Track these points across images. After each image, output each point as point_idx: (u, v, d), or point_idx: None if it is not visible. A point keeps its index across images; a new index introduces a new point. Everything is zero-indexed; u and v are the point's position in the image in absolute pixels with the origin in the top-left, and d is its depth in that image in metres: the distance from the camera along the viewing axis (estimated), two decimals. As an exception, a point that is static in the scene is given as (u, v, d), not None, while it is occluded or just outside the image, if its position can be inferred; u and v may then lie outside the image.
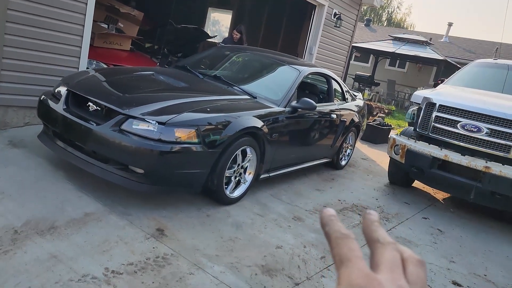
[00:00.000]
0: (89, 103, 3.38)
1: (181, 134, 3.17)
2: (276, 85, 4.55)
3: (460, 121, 4.55)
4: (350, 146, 6.04)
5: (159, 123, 3.13)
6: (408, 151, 4.83)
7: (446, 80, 6.12)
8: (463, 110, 4.55)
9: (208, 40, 9.55)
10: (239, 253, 2.92)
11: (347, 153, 6.03)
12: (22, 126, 4.42)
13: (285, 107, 4.21)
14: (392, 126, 9.48)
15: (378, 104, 14.04)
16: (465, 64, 18.21)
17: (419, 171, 4.80)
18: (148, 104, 3.27)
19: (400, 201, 5.01)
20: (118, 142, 3.07)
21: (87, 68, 5.18)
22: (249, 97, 4.10)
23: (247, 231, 3.29)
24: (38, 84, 4.39)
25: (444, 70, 16.73)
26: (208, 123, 3.33)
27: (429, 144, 4.75)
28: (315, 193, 4.63)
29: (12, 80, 4.20)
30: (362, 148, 7.80)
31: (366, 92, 16.99)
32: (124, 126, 3.13)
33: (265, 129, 3.88)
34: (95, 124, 3.18)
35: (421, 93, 5.22)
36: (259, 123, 3.77)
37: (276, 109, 4.11)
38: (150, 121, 3.14)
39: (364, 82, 17.77)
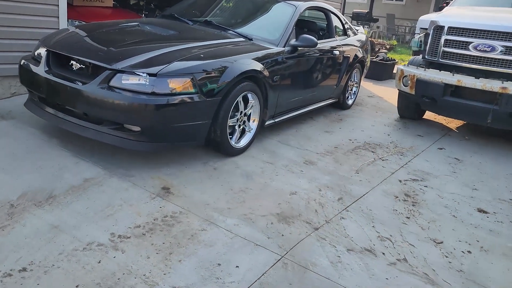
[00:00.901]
0: (72, 62, 3.11)
1: (175, 84, 2.92)
2: (272, 24, 4.21)
3: (472, 42, 4.23)
4: (356, 83, 5.76)
5: (150, 75, 2.88)
6: (418, 80, 4.56)
7: (451, 2, 5.70)
8: (474, 29, 4.22)
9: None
10: (252, 203, 2.76)
11: (353, 92, 5.76)
12: (9, 97, 4.18)
13: (284, 47, 3.91)
14: (396, 61, 9.09)
15: (379, 40, 13.51)
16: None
17: (431, 101, 4.55)
18: (136, 56, 3.00)
19: (413, 134, 4.80)
20: (108, 100, 2.84)
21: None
22: (244, 40, 3.79)
23: (258, 180, 3.12)
24: (18, 50, 4.09)
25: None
26: (204, 70, 3.07)
27: (440, 70, 4.46)
28: (324, 135, 4.42)
29: (-10, 48, 3.91)
30: (368, 86, 7.50)
31: (366, 29, 16.33)
32: (113, 82, 2.88)
33: (266, 72, 3.61)
34: (81, 84, 2.93)
35: (427, 17, 4.86)
36: (258, 66, 3.50)
37: (275, 49, 3.81)
38: (140, 74, 2.88)
39: (362, 20, 17.07)
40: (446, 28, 4.38)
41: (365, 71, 6.01)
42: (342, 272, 2.15)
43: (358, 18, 17.03)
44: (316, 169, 3.48)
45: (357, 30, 6.06)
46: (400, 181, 3.42)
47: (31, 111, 3.32)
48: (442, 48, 4.42)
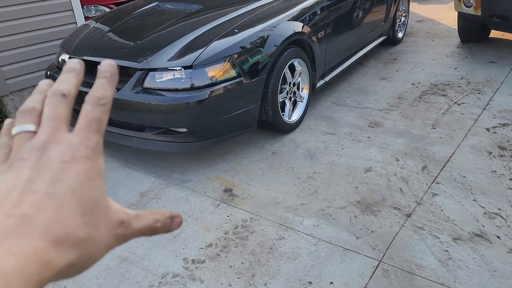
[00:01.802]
0: (99, 66, 2.81)
1: (215, 72, 2.56)
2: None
3: None
4: (404, 12, 5.08)
5: (186, 67, 2.52)
6: (485, -1, 3.87)
7: None
8: None
9: None
10: (326, 192, 2.45)
11: (402, 22, 5.10)
12: (44, 106, 3.99)
13: (323, -6, 3.37)
14: (440, -29, 8.03)
15: None
16: None
17: (502, 20, 3.88)
18: (165, 48, 2.64)
19: (483, 61, 4.18)
20: (146, 105, 2.54)
21: (85, 17, 4.51)
22: (277, -4, 3.29)
23: (324, 159, 2.79)
24: (42, 55, 3.84)
25: None
26: (242, 47, 2.67)
27: (512, -18, 3.74)
28: (381, 83, 3.94)
29: (13, 59, 3.67)
30: (412, 7, 6.69)
31: None
32: (147, 83, 2.57)
33: (309, 30, 3.14)
34: (114, 91, 2.64)
35: None
36: (299, 26, 3.04)
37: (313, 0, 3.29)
38: (175, 68, 2.54)
39: None
40: None
41: (412, -5, 5.28)
42: (456, 272, 1.83)
43: None
44: (385, 131, 3.08)
45: None
46: (487, 129, 2.96)
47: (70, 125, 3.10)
48: (512, -47, 3.67)
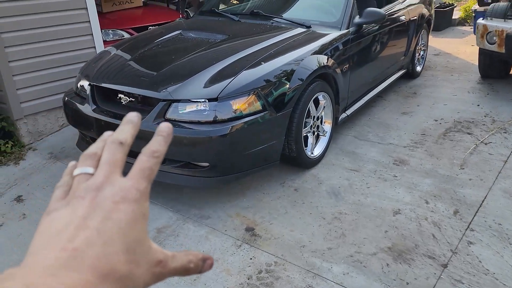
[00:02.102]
0: (120, 95, 2.74)
1: (239, 105, 2.47)
2: (328, 2, 3.61)
3: None
4: (423, 46, 5.04)
5: (210, 99, 2.45)
6: (509, 36, 3.82)
7: None
8: None
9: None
10: (354, 236, 2.32)
11: (421, 56, 5.05)
12: (59, 130, 3.92)
13: (348, 28, 3.32)
14: (455, 5, 8.08)
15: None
16: None
17: (528, 59, 3.82)
18: (189, 79, 2.57)
19: (506, 99, 4.10)
20: (168, 137, 2.44)
21: (104, 40, 4.49)
22: (302, 29, 3.24)
23: (350, 199, 2.67)
24: (58, 79, 3.79)
25: None
26: (267, 80, 2.60)
27: (538, 21, 3.70)
28: (403, 118, 3.85)
29: (29, 83, 3.62)
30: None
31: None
32: (169, 115, 2.49)
33: (334, 64, 3.08)
34: (134, 121, 2.55)
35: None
36: (325, 60, 2.97)
37: (339, 33, 3.24)
38: (199, 100, 2.46)
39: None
40: (541, -32, 3.58)
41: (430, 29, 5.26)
42: (503, 336, 1.68)
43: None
44: (411, 170, 2.96)
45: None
46: (518, 172, 2.84)
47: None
48: (539, -7, 3.63)
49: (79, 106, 2.85)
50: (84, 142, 3.05)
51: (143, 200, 0.35)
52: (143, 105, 2.68)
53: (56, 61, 3.75)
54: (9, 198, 2.94)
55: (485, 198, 2.59)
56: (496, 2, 4.56)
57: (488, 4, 6.33)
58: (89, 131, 2.84)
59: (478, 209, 2.48)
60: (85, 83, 2.92)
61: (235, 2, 4.63)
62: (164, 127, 0.41)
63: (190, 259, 0.38)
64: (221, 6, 4.36)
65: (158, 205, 2.71)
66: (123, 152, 0.39)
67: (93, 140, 2.92)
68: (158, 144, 0.40)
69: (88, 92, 2.84)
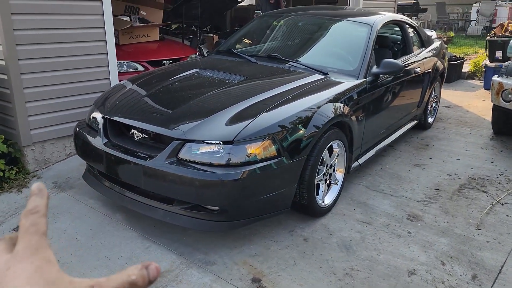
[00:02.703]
0: (133, 130, 2.69)
1: (254, 149, 2.42)
2: (347, 50, 3.63)
3: None
4: (436, 98, 5.04)
5: (225, 142, 2.39)
6: (525, 96, 3.80)
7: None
8: None
9: (237, 5, 8.58)
10: (366, 296, 2.19)
11: (434, 108, 5.04)
12: (65, 158, 3.86)
13: (365, 77, 3.31)
14: (465, 59, 8.19)
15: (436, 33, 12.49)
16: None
17: (543, 119, 3.78)
18: (205, 119, 2.52)
19: (520, 158, 4.04)
20: (179, 177, 2.38)
21: (118, 72, 4.50)
22: (319, 76, 3.23)
23: (361, 254, 2.55)
24: (71, 108, 3.77)
25: (502, -23, 14.59)
26: (284, 126, 2.55)
27: (554, 82, 3.69)
28: (415, 170, 3.77)
29: (41, 110, 3.59)
30: (440, 93, 6.69)
31: (415, 20, 15.28)
32: (182, 154, 2.42)
33: (350, 113, 3.05)
34: (146, 158, 2.49)
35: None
36: (341, 108, 2.94)
37: (356, 82, 3.23)
38: (214, 142, 2.40)
39: (409, 11, 15.97)
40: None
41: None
42: None
43: (404, 10, 15.96)
44: (426, 227, 2.86)
45: (431, 36, 5.34)
46: (538, 238, 2.73)
47: (91, 186, 2.93)
48: (556, 55, 3.64)
49: (90, 138, 2.80)
50: (91, 175, 2.98)
51: (41, 251, 0.38)
52: (155, 142, 2.63)
53: (70, 90, 3.74)
54: (8, 227, 2.84)
55: (504, 263, 2.47)
56: (509, 60, 4.59)
57: (500, 60, 6.41)
58: (97, 164, 2.78)
59: (497, 276, 2.36)
60: (98, 115, 2.88)
61: (247, 41, 4.68)
62: (34, 187, 0.44)
63: (129, 273, 0.39)
64: (237, 46, 4.41)
65: (161, 246, 2.60)
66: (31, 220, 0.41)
67: (101, 173, 2.85)
68: (33, 202, 0.42)
69: (100, 125, 2.79)
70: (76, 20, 3.64)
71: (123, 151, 2.59)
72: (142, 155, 2.53)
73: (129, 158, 2.53)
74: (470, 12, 15.62)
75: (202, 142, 2.43)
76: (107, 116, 2.77)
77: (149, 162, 2.45)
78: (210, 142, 2.41)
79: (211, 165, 2.39)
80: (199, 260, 2.48)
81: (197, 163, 2.40)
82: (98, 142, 2.72)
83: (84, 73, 3.80)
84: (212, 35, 7.63)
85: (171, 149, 2.43)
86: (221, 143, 2.40)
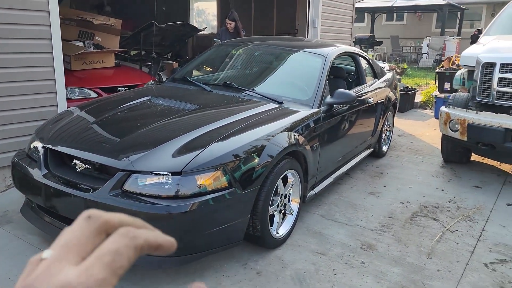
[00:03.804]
0: (75, 161, 2.54)
1: (204, 180, 2.33)
2: (302, 80, 3.67)
3: (534, 79, 3.65)
4: (389, 127, 5.18)
5: (174, 173, 2.30)
6: (471, 126, 3.96)
7: (485, 30, 5.18)
8: (535, 65, 3.66)
9: (198, 33, 8.62)
10: (319, 332, 2.12)
11: (387, 136, 5.17)
12: (4, 190, 3.61)
13: (319, 107, 3.34)
14: (417, 89, 8.56)
15: (389, 64, 13.06)
16: (474, 4, 16.99)
17: (488, 148, 3.94)
18: (154, 149, 2.42)
19: (469, 186, 4.17)
20: (123, 211, 2.24)
21: (67, 98, 4.32)
22: (274, 105, 3.23)
23: (315, 287, 2.49)
24: (14, 136, 3.56)
25: (449, 14, 15.61)
26: (236, 155, 2.49)
27: (496, 113, 3.87)
28: (370, 199, 3.80)
29: (-21, 138, 3.37)
30: (394, 122, 6.90)
31: (370, 53, 15.95)
32: (127, 186, 2.30)
33: (305, 142, 3.04)
34: (88, 191, 2.35)
35: (471, 53, 4.31)
36: (296, 137, 2.93)
37: (310, 111, 3.25)
38: (161, 173, 2.30)
39: (365, 44, 16.71)
40: (498, 65, 3.82)
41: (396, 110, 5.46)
42: None
43: (361, 42, 16.66)
44: (379, 256, 2.84)
45: (383, 68, 5.54)
46: (486, 265, 2.77)
47: (29, 221, 2.73)
48: (496, 88, 3.84)
49: (29, 169, 2.62)
50: (30, 209, 2.77)
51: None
52: (100, 173, 2.49)
53: (13, 117, 3.54)
54: None
55: (455, 293, 2.47)
56: (456, 91, 4.81)
57: (448, 91, 6.73)
58: (36, 197, 2.60)
59: (448, 306, 2.35)
60: (38, 145, 2.71)
61: (208, 69, 4.66)
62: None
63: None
64: (195, 73, 4.37)
65: (104, 285, 2.42)
66: (89, 229, 0.31)
67: (40, 207, 2.66)
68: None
69: (41, 155, 2.63)
70: (23, 44, 3.49)
71: (64, 183, 2.44)
72: (84, 187, 2.39)
73: (69, 190, 2.38)
74: (422, 46, 16.51)
75: (149, 173, 2.32)
76: (48, 146, 2.62)
77: (91, 195, 2.31)
78: (158, 173, 2.31)
79: (159, 197, 2.28)
80: (144, 299, 2.33)
81: (144, 195, 2.28)
82: (37, 173, 2.55)
83: (30, 99, 3.62)
84: (172, 62, 7.60)
85: (116, 181, 2.31)
86: (170, 174, 2.30)
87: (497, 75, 3.83)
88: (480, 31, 5.40)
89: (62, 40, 3.86)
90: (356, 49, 4.70)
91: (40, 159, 2.60)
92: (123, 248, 0.31)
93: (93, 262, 0.29)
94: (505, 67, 3.80)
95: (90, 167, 2.50)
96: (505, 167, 4.75)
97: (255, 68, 4.03)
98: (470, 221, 3.41)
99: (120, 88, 4.92)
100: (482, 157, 4.96)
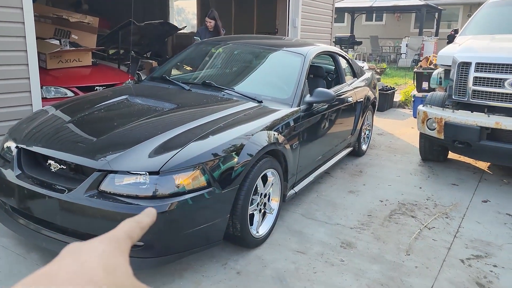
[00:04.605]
0: (50, 161, 2.48)
1: (183, 180, 2.31)
2: (281, 79, 3.67)
3: (508, 78, 3.74)
4: (369, 126, 5.24)
5: (151, 173, 2.26)
6: (447, 124, 4.04)
7: (461, 30, 5.28)
8: (508, 64, 3.74)
9: (178, 32, 8.55)
10: (299, 331, 2.12)
11: (367, 135, 5.23)
12: (-23, 192, 3.49)
13: (299, 106, 3.35)
14: (395, 89, 8.68)
15: (369, 64, 13.21)
16: (451, 5, 17.35)
17: (464, 146, 4.03)
18: (131, 148, 2.38)
19: (446, 183, 4.24)
20: (98, 211, 2.20)
21: (43, 98, 4.22)
22: (253, 103, 3.22)
23: (296, 286, 2.49)
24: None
25: (427, 15, 15.89)
26: (214, 154, 2.47)
27: (472, 111, 3.95)
28: (349, 197, 3.83)
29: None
30: (373, 121, 6.98)
31: (350, 53, 16.12)
32: (104, 186, 2.26)
33: (284, 140, 3.04)
34: (63, 191, 2.29)
35: (447, 53, 4.40)
36: (276, 136, 2.93)
37: (290, 110, 3.25)
38: (139, 173, 2.27)
39: (345, 44, 16.87)
40: (473, 65, 3.90)
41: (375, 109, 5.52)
42: None
43: (341, 42, 16.82)
44: (358, 254, 2.87)
45: (362, 67, 5.59)
46: (462, 261, 2.82)
47: (2, 223, 2.64)
48: (472, 87, 3.92)
49: (1, 170, 2.54)
50: (3, 211, 2.69)
51: (120, 245, 0.43)
52: (76, 174, 2.44)
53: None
54: None
55: (432, 288, 2.51)
56: (433, 91, 4.89)
57: (426, 90, 6.84)
58: (9, 199, 2.52)
59: (426, 302, 2.38)
60: (12, 145, 2.64)
61: (188, 68, 4.62)
62: (148, 209, 0.51)
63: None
64: (175, 72, 4.33)
65: (80, 288, 2.37)
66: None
67: (13, 209, 2.58)
68: (140, 217, 0.48)
69: (14, 155, 2.55)
70: (-6, 42, 3.38)
71: (39, 184, 2.37)
72: (59, 188, 2.33)
73: (44, 191, 2.32)
74: (401, 46, 16.78)
75: (126, 173, 2.28)
76: (21, 145, 2.54)
77: (66, 196, 2.26)
78: (135, 173, 2.27)
79: (136, 197, 2.25)
80: (122, 301, 2.28)
81: (121, 196, 2.24)
82: (9, 174, 2.47)
83: (3, 98, 3.52)
84: (151, 61, 7.51)
85: (92, 181, 2.26)
86: (147, 173, 2.27)
87: (472, 74, 3.91)
88: (456, 31, 5.53)
89: (38, 38, 3.77)
90: (335, 49, 4.72)
91: (14, 160, 2.53)
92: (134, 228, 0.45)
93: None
94: (480, 66, 3.88)
95: (65, 167, 2.45)
96: (481, 164, 4.86)
97: (235, 67, 4.02)
98: (447, 218, 3.47)
99: (97, 87, 4.84)
100: (459, 155, 5.06)
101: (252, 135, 2.73)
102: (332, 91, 3.61)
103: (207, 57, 4.23)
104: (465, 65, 3.97)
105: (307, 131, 3.42)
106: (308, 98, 3.43)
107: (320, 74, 4.49)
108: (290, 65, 3.72)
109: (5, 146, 2.72)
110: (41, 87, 4.10)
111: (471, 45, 4.29)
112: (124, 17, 6.93)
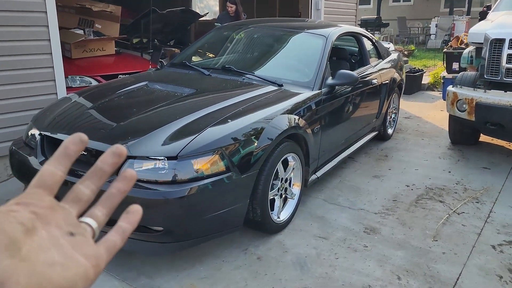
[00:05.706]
0: (72, 147, 2.51)
1: (201, 165, 2.29)
2: (302, 62, 3.58)
3: (544, 56, 3.52)
4: (395, 109, 5.08)
5: (170, 158, 2.25)
6: (479, 105, 3.85)
7: (494, 5, 5.01)
8: (545, 40, 3.52)
9: (200, 19, 8.51)
10: (319, 316, 2.08)
11: (393, 119, 5.07)
12: (6, 179, 3.61)
13: (320, 89, 3.26)
14: (424, 71, 8.38)
15: (396, 46, 12.82)
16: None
17: (497, 127, 3.84)
18: (149, 133, 2.38)
19: (477, 167, 4.07)
20: (120, 197, 2.21)
21: (68, 87, 4.29)
22: (273, 87, 3.16)
23: (317, 271, 2.45)
24: (13, 125, 3.54)
25: (458, -7, 15.21)
26: (234, 139, 2.44)
27: (505, 91, 3.75)
28: (374, 182, 3.73)
29: (-21, 128, 3.35)
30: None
31: (377, 36, 15.67)
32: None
33: (305, 125, 2.97)
34: (84, 177, 2.31)
35: (478, 30, 4.17)
36: (295, 120, 2.86)
37: (311, 93, 3.17)
38: (157, 158, 2.26)
39: (372, 26, 16.42)
40: (507, 41, 3.69)
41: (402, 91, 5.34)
42: None
43: (367, 25, 16.37)
44: (382, 240, 2.79)
45: (388, 48, 5.40)
46: (493, 247, 2.70)
47: (28, 209, 2.71)
48: (506, 65, 3.71)
49: (26, 156, 2.60)
50: (29, 196, 2.75)
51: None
52: (96, 159, 2.45)
53: (13, 106, 3.52)
54: None
55: (459, 275, 2.42)
56: (464, 71, 4.68)
57: (457, 71, 6.56)
58: (33, 185, 2.57)
59: (453, 289, 2.30)
60: (36, 132, 2.68)
61: (210, 55, 4.58)
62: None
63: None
64: (195, 58, 4.30)
65: (103, 271, 2.41)
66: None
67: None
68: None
69: (38, 142, 2.60)
70: (18, 32, 3.44)
71: (60, 170, 2.40)
72: (81, 173, 2.35)
73: (66, 177, 2.34)
74: (430, 27, 16.17)
75: (145, 158, 2.28)
76: (44, 132, 2.58)
77: (87, 181, 2.28)
78: (154, 158, 2.27)
79: (156, 182, 2.24)
80: (142, 285, 2.30)
81: (140, 181, 2.24)
82: (34, 161, 2.52)
83: (29, 87, 3.59)
84: (174, 49, 7.52)
85: (111, 167, 2.26)
86: (165, 158, 2.26)
87: (506, 51, 3.70)
88: (489, 8, 5.24)
89: (62, 28, 3.82)
90: (359, 29, 4.57)
91: (37, 146, 2.57)
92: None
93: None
94: (514, 43, 3.66)
95: (86, 153, 2.47)
96: (515, 147, 4.64)
97: (255, 51, 3.95)
98: (478, 202, 3.33)
99: (120, 76, 4.88)
100: (491, 138, 4.85)
101: (272, 119, 2.68)
102: (355, 73, 3.49)
103: (227, 42, 4.17)
104: (499, 42, 3.76)
105: (329, 115, 3.34)
106: (330, 80, 3.33)
107: (343, 56, 4.36)
108: (312, 47, 3.62)
109: (29, 133, 2.77)
110: (67, 77, 4.16)
111: (505, 21, 4.05)
112: (144, 6, 6.95)
